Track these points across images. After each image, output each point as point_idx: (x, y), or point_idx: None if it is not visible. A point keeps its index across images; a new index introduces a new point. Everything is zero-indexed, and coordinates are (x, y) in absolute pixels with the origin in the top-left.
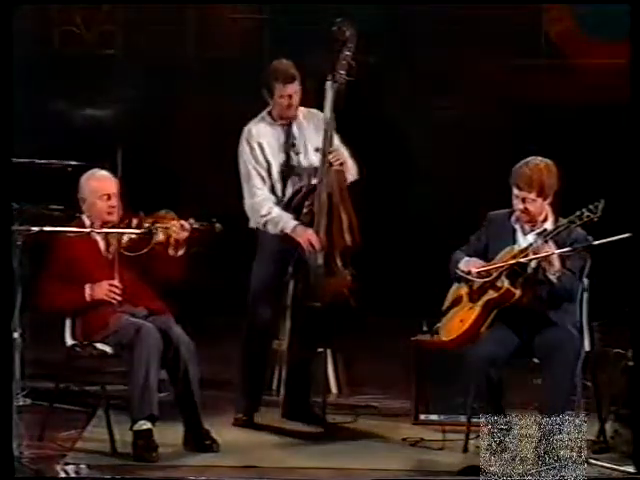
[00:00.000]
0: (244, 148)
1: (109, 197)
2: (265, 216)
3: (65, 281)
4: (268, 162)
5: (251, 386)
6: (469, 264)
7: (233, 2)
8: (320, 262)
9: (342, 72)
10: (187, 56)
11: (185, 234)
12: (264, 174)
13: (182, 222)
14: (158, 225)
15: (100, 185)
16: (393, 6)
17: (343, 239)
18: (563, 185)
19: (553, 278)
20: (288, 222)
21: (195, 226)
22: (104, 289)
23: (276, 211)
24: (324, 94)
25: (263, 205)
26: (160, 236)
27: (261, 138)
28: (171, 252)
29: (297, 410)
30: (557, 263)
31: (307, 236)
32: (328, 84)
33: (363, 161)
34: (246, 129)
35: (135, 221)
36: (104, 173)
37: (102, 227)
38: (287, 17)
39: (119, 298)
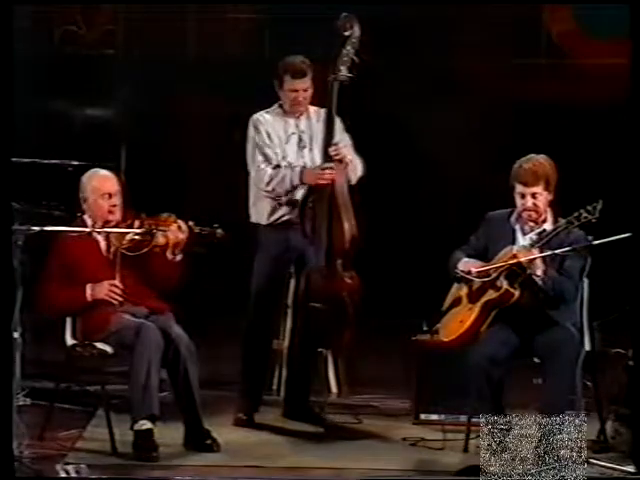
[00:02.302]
0: (251, 132)
1: (110, 196)
2: (269, 183)
3: (65, 282)
4: (274, 148)
5: (252, 385)
6: (468, 264)
7: (233, 2)
8: (322, 263)
9: (344, 69)
10: (187, 56)
11: (183, 236)
12: (268, 152)
13: (180, 223)
14: (159, 228)
15: (101, 184)
16: (393, 6)
17: (344, 241)
18: (563, 185)
19: (538, 280)
20: (294, 172)
21: (196, 230)
22: (105, 289)
23: (275, 171)
24: (326, 91)
25: (264, 175)
26: (160, 239)
27: (269, 126)
28: (169, 256)
29: (297, 410)
30: (541, 267)
31: (317, 175)
32: (331, 81)
33: (363, 162)
34: (254, 116)
35: (137, 222)
36: (105, 172)
37: (103, 227)
38: (288, 17)
39: (119, 298)
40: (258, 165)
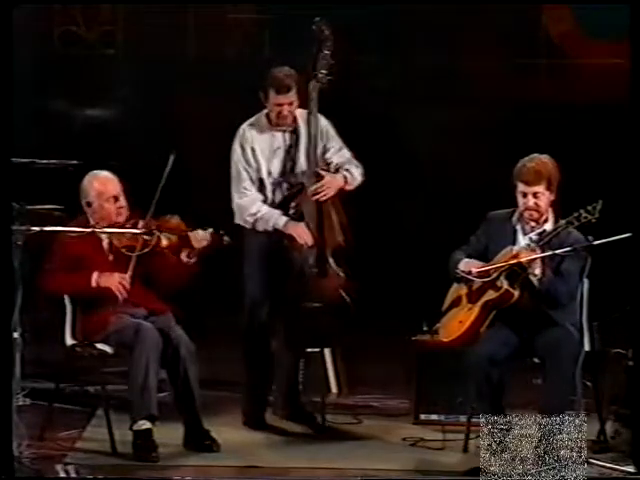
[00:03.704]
0: (236, 149)
1: (116, 199)
2: (254, 214)
3: (71, 269)
4: (259, 165)
5: (255, 387)
6: (469, 264)
7: (233, 2)
8: (312, 262)
9: (323, 72)
10: (187, 56)
11: (205, 244)
12: (254, 176)
13: (204, 232)
14: (161, 229)
15: (105, 188)
16: (393, 6)
17: (335, 238)
18: (563, 185)
19: (534, 280)
20: (279, 218)
21: (212, 236)
22: (115, 280)
23: (265, 209)
24: (307, 95)
25: (252, 204)
26: (163, 241)
27: (255, 142)
28: (184, 259)
29: (291, 410)
30: (539, 267)
31: (299, 231)
32: (311, 85)
33: (361, 161)
34: (241, 130)
35: (141, 223)
36: (107, 174)
37: (104, 227)
38: (288, 17)
39: (125, 294)
40: (245, 190)
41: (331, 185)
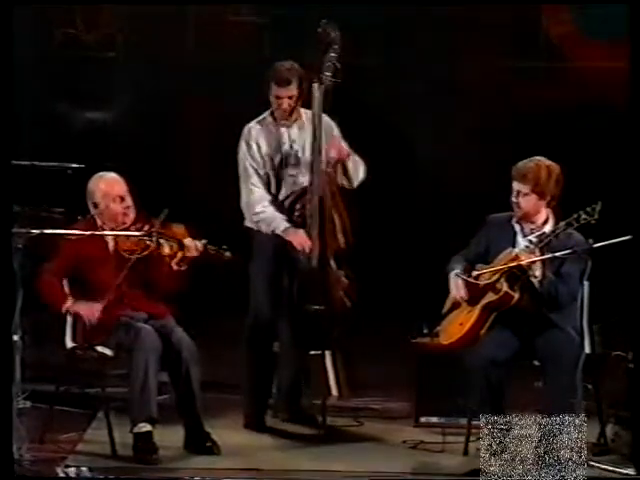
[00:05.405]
0: (242, 147)
1: (122, 199)
2: (258, 214)
3: (67, 275)
4: (264, 161)
5: (257, 388)
6: (458, 285)
7: (233, 2)
8: (314, 264)
9: (328, 74)
10: (187, 58)
11: (195, 254)
12: (261, 172)
13: (196, 242)
14: (164, 236)
15: (111, 188)
16: (393, 7)
17: (336, 241)
18: (564, 188)
19: (535, 282)
20: (280, 223)
21: (204, 248)
22: (86, 308)
23: (270, 210)
24: (312, 96)
25: (258, 203)
26: (166, 249)
27: (260, 139)
28: (174, 266)
29: (292, 413)
30: (539, 270)
31: (298, 238)
32: (315, 86)
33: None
34: (246, 128)
35: (147, 227)
36: (113, 175)
37: (113, 229)
38: (288, 18)
39: (95, 322)
40: (253, 187)
41: (334, 182)
